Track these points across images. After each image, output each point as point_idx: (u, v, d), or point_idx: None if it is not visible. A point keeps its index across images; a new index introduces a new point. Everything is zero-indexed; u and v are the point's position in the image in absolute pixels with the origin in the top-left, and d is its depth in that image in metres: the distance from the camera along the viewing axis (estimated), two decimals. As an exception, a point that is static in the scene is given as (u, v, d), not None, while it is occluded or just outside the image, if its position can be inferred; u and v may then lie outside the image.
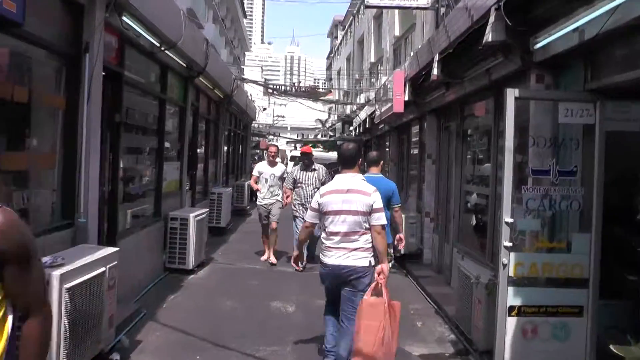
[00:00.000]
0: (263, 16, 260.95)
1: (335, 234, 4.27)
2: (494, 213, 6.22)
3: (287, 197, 8.76)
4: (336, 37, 49.03)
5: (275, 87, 36.60)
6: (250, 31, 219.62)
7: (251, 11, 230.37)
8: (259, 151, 64.73)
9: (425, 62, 7.75)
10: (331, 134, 44.87)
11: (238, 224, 13.92)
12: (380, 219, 4.24)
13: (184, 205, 9.01)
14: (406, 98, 9.23)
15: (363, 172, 5.31)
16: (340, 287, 4.33)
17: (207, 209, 9.02)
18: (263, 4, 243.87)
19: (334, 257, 4.27)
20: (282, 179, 9.10)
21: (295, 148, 53.90)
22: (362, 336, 4.04)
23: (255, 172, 9.37)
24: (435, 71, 6.93)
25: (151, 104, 7.43)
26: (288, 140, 57.91)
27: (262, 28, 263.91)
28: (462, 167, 7.78)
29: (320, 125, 54.97)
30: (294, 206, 8.72)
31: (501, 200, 4.24)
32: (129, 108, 6.48)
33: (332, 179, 5.06)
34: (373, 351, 3.99)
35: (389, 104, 10.13)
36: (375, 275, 4.21)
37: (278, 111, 59.41)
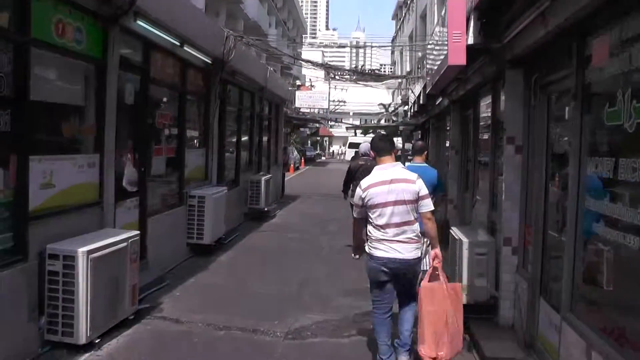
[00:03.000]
0: (327, 3, 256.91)
1: (386, 226, 4.14)
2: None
3: None
4: (400, 19, 45.23)
5: (336, 70, 33.29)
6: (315, 18, 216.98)
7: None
8: (319, 138, 61.83)
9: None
10: (394, 118, 41.59)
11: (246, 232, 10.66)
12: (428, 205, 4.21)
13: (108, 226, 5.63)
14: (470, 41, 5.32)
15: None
16: (392, 281, 4.21)
17: (138, 232, 5.52)
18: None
19: (387, 250, 4.14)
20: None
21: (355, 134, 50.45)
22: (425, 323, 3.99)
23: None
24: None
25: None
26: (348, 126, 54.44)
27: (327, 14, 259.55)
28: (580, 163, 3.89)
29: (383, 110, 51.46)
30: None
31: None
32: None
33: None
34: (438, 337, 3.88)
35: (443, 57, 6.26)
36: (430, 260, 4.19)
37: (340, 96, 56.56)
